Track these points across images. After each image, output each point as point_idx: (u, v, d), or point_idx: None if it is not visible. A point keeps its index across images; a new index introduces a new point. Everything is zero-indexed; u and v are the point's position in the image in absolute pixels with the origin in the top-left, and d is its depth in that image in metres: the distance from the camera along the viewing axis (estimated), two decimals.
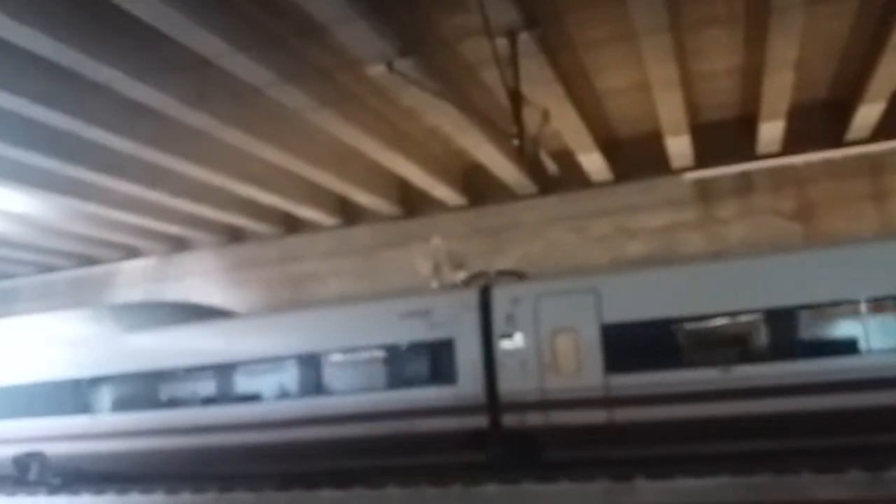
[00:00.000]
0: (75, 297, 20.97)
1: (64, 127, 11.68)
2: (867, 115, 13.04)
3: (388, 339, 11.49)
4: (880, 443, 9.04)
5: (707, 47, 11.52)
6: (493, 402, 10.76)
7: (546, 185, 15.76)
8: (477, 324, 11.03)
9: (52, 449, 13.32)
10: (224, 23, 9.23)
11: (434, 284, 15.69)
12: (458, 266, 15.94)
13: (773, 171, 14.73)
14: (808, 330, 9.84)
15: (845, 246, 10.53)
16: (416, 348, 11.31)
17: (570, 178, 15.15)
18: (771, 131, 13.56)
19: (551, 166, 13.46)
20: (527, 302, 10.85)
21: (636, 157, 15.26)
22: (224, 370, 12.35)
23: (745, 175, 14.94)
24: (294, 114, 11.94)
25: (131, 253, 20.33)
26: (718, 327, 10.19)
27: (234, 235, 19.14)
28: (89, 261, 20.96)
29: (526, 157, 11.80)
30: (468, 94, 12.09)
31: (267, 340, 12.48)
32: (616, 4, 9.53)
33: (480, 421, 10.77)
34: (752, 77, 12.22)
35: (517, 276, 12.48)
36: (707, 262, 11.70)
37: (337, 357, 11.89)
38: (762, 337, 10.00)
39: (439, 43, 10.56)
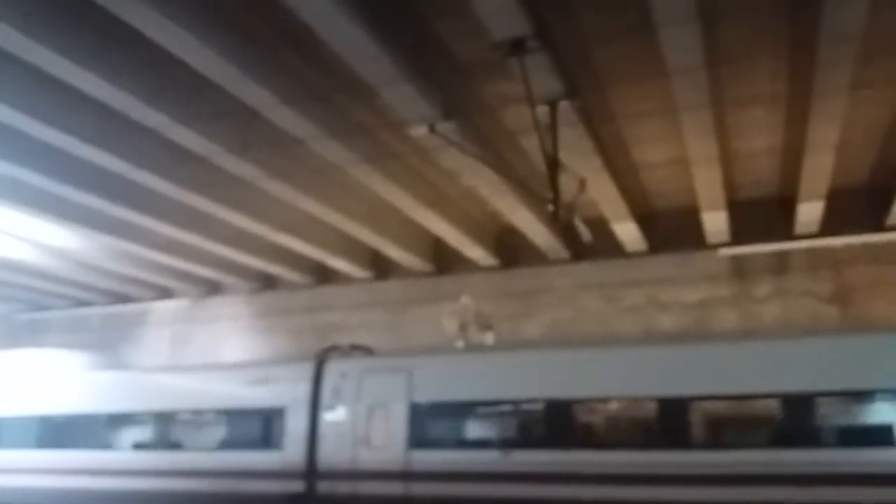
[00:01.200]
0: (106, 334, 21.23)
1: (111, 167, 12.00)
2: None
3: (233, 403, 12.57)
4: None
5: (748, 126, 11.56)
6: (311, 469, 11.61)
7: (579, 251, 15.74)
8: (307, 394, 11.94)
9: None
10: (273, 76, 9.53)
11: (460, 343, 15.61)
12: (486, 327, 15.86)
13: (810, 253, 14.56)
14: (580, 421, 10.63)
15: (614, 348, 11.81)
16: (255, 413, 12.32)
17: (604, 246, 15.11)
18: (810, 212, 13.46)
19: (585, 233, 13.43)
20: (352, 377, 11.81)
21: (672, 229, 15.21)
22: (84, 419, 13.42)
23: (782, 255, 14.78)
24: (334, 168, 12.15)
25: (164, 293, 20.60)
26: (502, 413, 11.09)
27: (267, 282, 19.32)
28: (122, 298, 21.25)
29: (560, 223, 11.84)
30: (507, 158, 12.24)
31: (129, 395, 13.84)
32: (658, 79, 9.62)
33: (299, 486, 11.60)
34: (793, 157, 12.19)
35: (366, 351, 13.32)
36: (507, 351, 12.81)
37: (187, 416, 13.06)
38: (539, 425, 10.74)
39: (481, 108, 10.76)
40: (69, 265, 18.44)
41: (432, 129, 10.36)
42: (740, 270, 15.06)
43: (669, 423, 9.94)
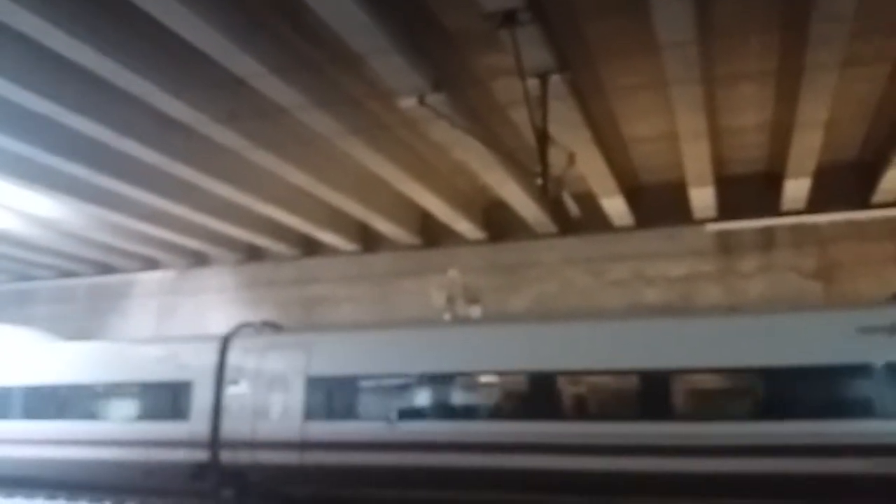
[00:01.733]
0: (92, 304, 21.14)
1: (97, 136, 11.85)
2: (894, 178, 12.98)
3: (146, 377, 13.58)
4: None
5: (737, 102, 11.57)
6: (215, 439, 12.56)
7: (566, 226, 15.78)
8: (212, 369, 12.92)
9: None
10: (262, 45, 9.40)
11: (447, 316, 15.69)
12: (474, 300, 15.95)
13: (795, 229, 14.67)
14: (457, 394, 11.62)
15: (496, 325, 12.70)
16: (166, 386, 13.32)
17: (591, 220, 15.16)
18: (796, 189, 13.53)
19: (573, 207, 13.44)
20: (255, 353, 12.80)
21: (659, 204, 15.27)
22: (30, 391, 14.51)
23: (768, 231, 14.88)
24: (322, 139, 12.07)
25: (150, 264, 20.49)
26: (390, 386, 11.87)
27: (253, 254, 19.26)
28: (108, 269, 21.15)
29: (548, 197, 11.84)
30: (496, 132, 12.20)
31: (52, 368, 14.80)
32: (650, 53, 9.60)
33: (204, 455, 12.58)
34: (781, 134, 12.24)
35: (274, 327, 14.19)
36: (399, 328, 13.59)
37: (110, 388, 13.98)
38: (424, 398, 11.70)
39: (472, 80, 10.69)
40: (55, 235, 18.28)
41: (422, 100, 10.28)
42: (726, 246, 15.16)
43: (541, 396, 10.95)
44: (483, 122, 11.83)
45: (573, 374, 10.98)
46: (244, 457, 12.34)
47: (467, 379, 11.57)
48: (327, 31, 8.85)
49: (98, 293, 21.26)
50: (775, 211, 14.60)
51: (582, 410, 11.04)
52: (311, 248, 18.50)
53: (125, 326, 20.34)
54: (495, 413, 11.37)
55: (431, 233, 17.18)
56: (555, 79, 9.78)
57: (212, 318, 19.13)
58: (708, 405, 10.52)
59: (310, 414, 11.99)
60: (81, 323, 20.72)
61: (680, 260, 15.32)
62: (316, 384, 12.07)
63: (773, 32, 9.54)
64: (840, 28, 8.45)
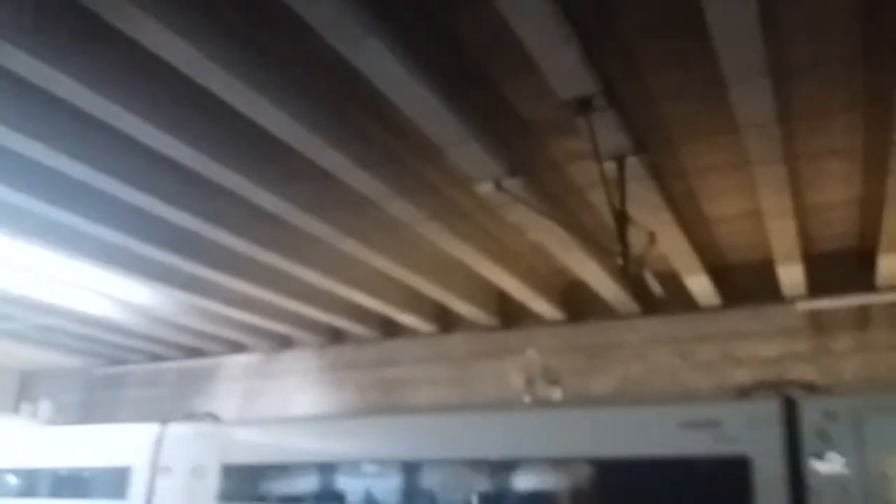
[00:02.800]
0: (180, 388, 21.76)
1: (189, 227, 12.46)
2: None
3: (89, 461, 14.60)
4: None
5: (824, 178, 11.30)
6: None
7: (649, 306, 15.51)
8: (150, 456, 13.88)
9: None
10: (346, 139, 9.81)
11: (527, 399, 15.46)
12: (553, 382, 15.68)
13: (892, 307, 13.99)
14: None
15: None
16: (107, 471, 14.32)
17: (676, 300, 14.88)
18: (890, 265, 12.97)
19: (656, 287, 13.25)
20: (182, 442, 13.73)
21: (746, 283, 14.86)
22: None
23: (863, 309, 14.23)
24: (402, 225, 12.36)
25: (236, 348, 21.05)
26: (295, 473, 12.58)
27: (335, 337, 19.56)
28: (196, 353, 21.81)
29: (629, 276, 11.72)
30: (574, 213, 12.24)
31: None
32: (729, 132, 9.58)
33: None
34: (872, 209, 11.85)
35: (213, 418, 14.72)
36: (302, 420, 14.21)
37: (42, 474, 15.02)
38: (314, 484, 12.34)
39: (548, 165, 10.85)
40: (146, 320, 19.05)
41: (498, 185, 10.46)
42: (819, 325, 14.55)
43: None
44: (560, 205, 11.91)
45: None
46: None
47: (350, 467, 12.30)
48: (408, 123, 9.19)
49: (186, 376, 21.90)
50: (869, 288, 13.98)
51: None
52: (390, 329, 18.69)
53: (212, 408, 20.79)
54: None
55: (509, 314, 17.13)
56: (632, 160, 9.81)
57: (295, 401, 19.40)
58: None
59: (223, 497, 12.95)
60: (170, 406, 21.31)
61: (770, 340, 14.76)
62: (229, 472, 13.06)
63: (858, 108, 9.37)
64: None
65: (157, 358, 22.64)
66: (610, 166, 9.77)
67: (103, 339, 20.89)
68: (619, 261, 9.90)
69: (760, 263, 14.20)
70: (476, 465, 11.26)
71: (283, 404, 19.49)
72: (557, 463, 10.81)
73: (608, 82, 8.45)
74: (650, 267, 12.71)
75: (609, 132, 9.07)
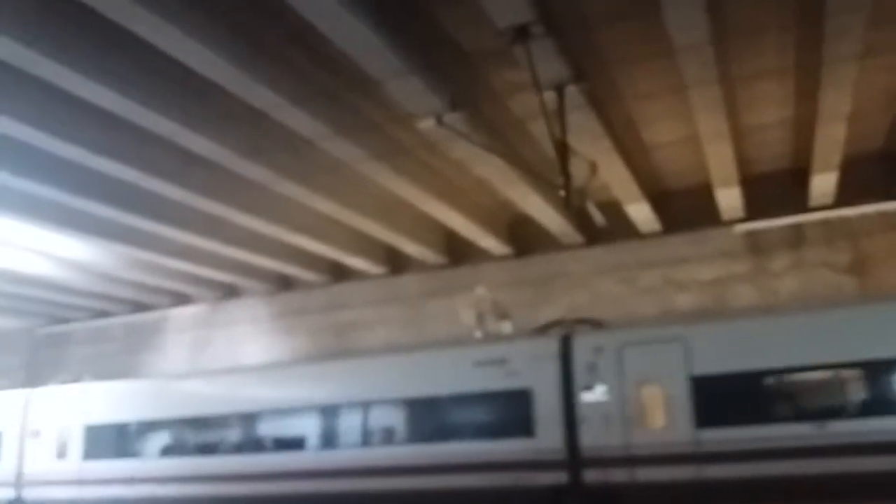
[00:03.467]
0: (128, 343, 21.41)
1: (122, 177, 12.08)
2: None
3: None
4: None
5: (758, 100, 11.47)
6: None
7: (593, 236, 15.72)
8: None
9: None
10: (278, 76, 9.53)
11: (478, 334, 15.64)
12: (503, 315, 15.88)
13: (826, 224, 14.45)
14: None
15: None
16: None
17: (618, 229, 15.09)
18: (824, 183, 13.36)
19: (598, 217, 13.41)
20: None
21: (685, 208, 15.14)
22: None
23: (798, 227, 14.68)
24: (345, 165, 12.17)
25: (182, 300, 20.73)
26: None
27: (283, 283, 19.40)
28: (142, 307, 21.42)
29: (572, 208, 11.82)
30: (516, 146, 12.21)
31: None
32: (665, 57, 9.59)
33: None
34: (804, 129, 12.10)
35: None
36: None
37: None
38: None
39: (489, 97, 10.74)
40: (87, 277, 18.59)
41: (440, 121, 10.35)
42: (756, 246, 14.97)
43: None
44: (503, 138, 11.85)
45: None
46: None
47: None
48: (343, 58, 8.96)
49: (133, 331, 21.53)
50: (804, 207, 14.41)
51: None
52: (339, 274, 18.61)
53: (161, 362, 20.56)
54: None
55: (457, 251, 17.20)
56: (571, 90, 9.77)
57: (245, 350, 19.28)
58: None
59: (87, 455, 14.30)
60: (118, 361, 20.97)
61: (710, 263, 15.16)
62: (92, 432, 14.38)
63: (789, 28, 9.47)
64: (856, 18, 8.36)
65: (101, 314, 22.17)
66: (550, 96, 9.73)
67: (43, 298, 20.32)
68: (562, 193, 9.96)
69: (699, 188, 14.47)
70: (306, 409, 12.69)
71: (233, 354, 19.35)
72: (373, 403, 12.37)
73: (545, 9, 8.34)
74: (592, 197, 12.82)
75: (548, 61, 8.99)
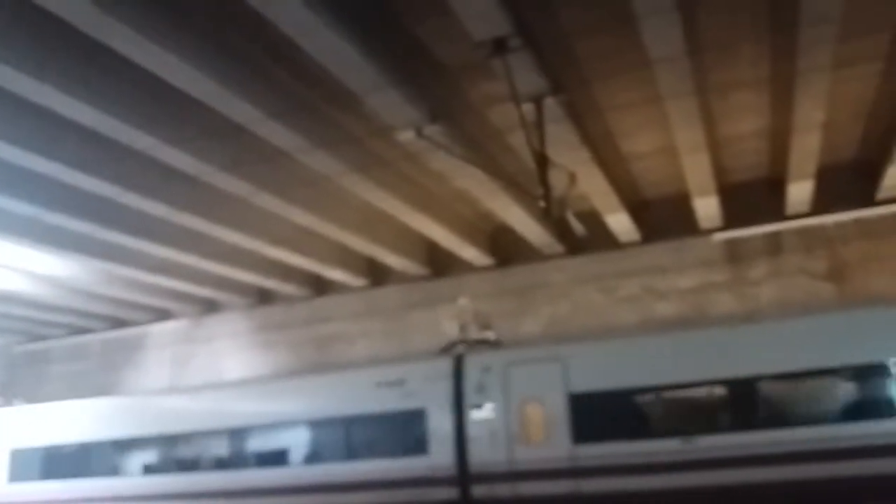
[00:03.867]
0: (107, 360, 21.15)
1: (100, 192, 11.98)
2: None
3: None
4: None
5: (733, 110, 11.62)
6: None
7: (573, 246, 15.79)
8: None
9: None
10: (258, 91, 9.53)
11: (461, 346, 15.62)
12: (485, 326, 15.88)
13: (803, 232, 14.63)
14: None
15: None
16: None
17: (598, 238, 15.20)
18: (800, 192, 13.53)
19: (578, 227, 13.50)
20: None
21: (664, 217, 15.27)
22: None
23: (775, 236, 14.85)
24: (325, 178, 12.16)
25: (162, 315, 20.54)
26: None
27: (263, 297, 19.29)
28: (121, 323, 21.18)
29: (552, 218, 11.87)
30: (496, 157, 12.26)
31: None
32: (641, 69, 9.67)
33: None
34: (780, 139, 12.26)
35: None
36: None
37: None
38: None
39: (468, 109, 10.79)
40: (65, 293, 18.37)
41: (419, 133, 10.37)
42: (735, 254, 15.11)
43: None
44: (482, 150, 11.90)
45: None
46: None
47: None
48: (322, 71, 8.97)
49: (112, 348, 21.29)
50: (781, 215, 14.57)
51: None
52: (320, 287, 18.54)
53: (141, 379, 20.34)
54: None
55: (439, 263, 17.21)
56: (549, 102, 9.85)
57: (226, 364, 19.13)
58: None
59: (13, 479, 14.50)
60: (98, 378, 20.73)
61: (689, 271, 15.28)
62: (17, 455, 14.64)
63: (764, 40, 9.61)
64: (828, 30, 8.51)
65: (79, 331, 21.89)
66: (528, 108, 9.79)
67: (20, 315, 20.01)
68: (542, 203, 10.01)
69: (677, 198, 14.59)
70: (215, 434, 12.98)
71: (214, 369, 19.19)
72: (289, 424, 12.70)
73: (522, 22, 8.41)
74: (572, 207, 12.88)
75: (526, 73, 9.06)
